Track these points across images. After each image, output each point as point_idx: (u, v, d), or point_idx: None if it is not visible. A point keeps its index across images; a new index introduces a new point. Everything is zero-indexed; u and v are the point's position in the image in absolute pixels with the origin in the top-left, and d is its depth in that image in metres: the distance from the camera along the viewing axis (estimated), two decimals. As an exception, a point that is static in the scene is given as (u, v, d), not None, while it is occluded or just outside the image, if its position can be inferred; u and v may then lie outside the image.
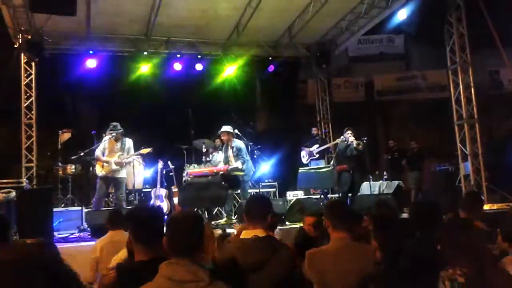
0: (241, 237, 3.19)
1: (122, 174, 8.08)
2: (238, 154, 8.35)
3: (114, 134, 8.00)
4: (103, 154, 7.99)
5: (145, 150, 8.37)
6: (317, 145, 11.12)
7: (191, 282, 2.04)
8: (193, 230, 2.22)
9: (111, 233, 4.79)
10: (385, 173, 11.61)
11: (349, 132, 9.18)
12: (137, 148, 8.41)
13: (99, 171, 7.97)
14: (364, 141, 8.99)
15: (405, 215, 7.05)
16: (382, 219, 2.88)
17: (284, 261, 3.00)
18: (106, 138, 8.10)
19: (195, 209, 7.57)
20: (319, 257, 3.09)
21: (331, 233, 3.18)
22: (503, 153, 12.55)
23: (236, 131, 8.91)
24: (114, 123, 8.09)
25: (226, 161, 8.57)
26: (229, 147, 8.55)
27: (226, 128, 8.52)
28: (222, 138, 8.70)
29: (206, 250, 2.82)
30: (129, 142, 8.19)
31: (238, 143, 8.51)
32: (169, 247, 2.20)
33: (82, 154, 8.24)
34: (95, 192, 8.27)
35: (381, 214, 3.23)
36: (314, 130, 11.81)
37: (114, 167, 7.90)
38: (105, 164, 7.90)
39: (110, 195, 9.34)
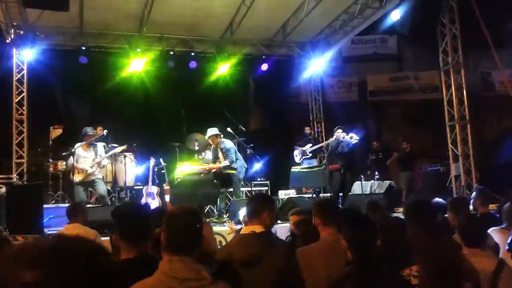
0: (240, 232, 3.23)
1: (98, 175, 8.08)
2: (226, 154, 8.35)
3: (89, 137, 7.97)
4: (77, 161, 7.95)
5: (120, 148, 8.45)
6: (310, 145, 11.14)
7: (193, 280, 2.03)
8: (193, 227, 2.20)
9: (66, 226, 4.83)
10: (376, 173, 11.64)
11: (340, 130, 9.21)
12: (122, 145, 8.48)
13: (76, 177, 7.93)
14: (357, 141, 9.02)
15: (395, 215, 7.09)
16: (348, 219, 2.93)
17: (281, 256, 3.02)
18: (78, 145, 8.04)
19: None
20: (308, 254, 3.13)
21: (321, 231, 3.23)
22: (494, 154, 12.64)
23: (228, 129, 8.91)
24: (89, 128, 8.10)
25: (215, 161, 8.57)
26: (218, 148, 8.54)
27: (212, 131, 8.48)
28: (210, 142, 8.69)
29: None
30: (100, 146, 8.19)
31: (227, 143, 8.50)
32: (168, 244, 2.16)
33: (73, 150, 8.19)
34: None
35: (347, 214, 3.27)
36: (307, 130, 11.83)
37: (90, 170, 7.90)
38: (80, 171, 7.89)
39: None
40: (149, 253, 2.49)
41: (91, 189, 8.37)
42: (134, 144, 8.95)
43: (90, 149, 8.04)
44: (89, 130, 8.04)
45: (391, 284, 2.49)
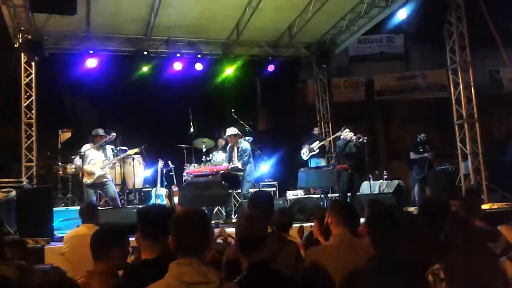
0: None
1: (108, 177, 8.08)
2: (241, 155, 8.39)
3: (100, 139, 7.97)
4: (83, 162, 7.92)
5: (132, 151, 8.43)
6: (318, 142, 11.15)
7: (201, 284, 2.01)
8: (200, 228, 2.19)
9: (81, 226, 4.87)
10: (385, 172, 11.58)
11: (347, 130, 9.20)
12: (131, 147, 8.49)
13: (86, 179, 7.90)
14: (364, 141, 9.00)
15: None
16: (373, 214, 2.92)
17: (293, 255, 3.02)
18: (87, 147, 8.03)
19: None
20: (319, 253, 3.12)
21: (333, 229, 3.23)
22: (503, 152, 12.55)
23: (236, 130, 8.93)
24: (100, 129, 8.08)
25: (230, 160, 8.60)
26: (235, 148, 8.58)
27: (231, 131, 8.54)
28: (229, 141, 8.75)
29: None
30: (108, 149, 8.19)
31: (244, 144, 8.55)
32: (176, 246, 2.16)
33: (82, 153, 8.23)
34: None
35: (373, 211, 3.26)
36: (316, 130, 11.82)
37: (100, 173, 7.89)
38: (89, 173, 7.87)
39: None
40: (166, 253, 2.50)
41: (100, 191, 8.38)
42: (142, 147, 8.98)
43: (99, 151, 8.05)
44: (100, 131, 8.02)
45: (410, 282, 2.48)
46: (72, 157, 8.76)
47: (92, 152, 8.00)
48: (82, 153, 7.95)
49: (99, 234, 2.90)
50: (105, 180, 7.98)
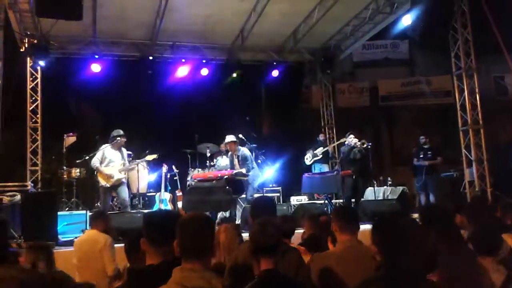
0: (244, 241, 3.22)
1: (124, 179, 8.06)
2: (243, 162, 8.38)
3: (122, 140, 7.94)
4: (101, 163, 7.87)
5: (150, 157, 8.37)
6: (321, 148, 11.17)
7: None
8: (204, 232, 2.21)
9: (88, 231, 5.12)
10: (389, 178, 11.54)
11: (352, 136, 9.19)
12: (136, 152, 8.48)
13: (104, 182, 7.86)
14: (369, 146, 8.98)
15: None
16: (378, 222, 2.90)
17: (293, 263, 3.02)
18: (105, 146, 8.00)
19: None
20: (324, 259, 3.11)
21: (338, 236, 3.22)
22: (508, 159, 12.49)
23: (240, 135, 8.93)
24: (119, 130, 8.03)
25: (232, 167, 8.60)
26: (235, 156, 8.57)
27: (230, 138, 8.53)
28: (227, 148, 8.74)
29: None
30: (125, 151, 8.16)
31: (244, 150, 8.53)
32: (181, 250, 2.18)
33: (87, 158, 8.24)
34: (99, 195, 8.26)
35: (377, 217, 3.25)
36: (322, 137, 11.83)
37: (119, 176, 7.86)
38: (107, 176, 7.81)
39: (114, 199, 9.38)
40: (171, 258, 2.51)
41: (114, 192, 8.33)
42: (147, 151, 8.98)
43: (118, 153, 7.99)
44: (121, 132, 7.92)
45: None
46: (89, 155, 8.64)
47: (110, 153, 7.94)
48: (99, 151, 7.87)
49: (134, 238, 2.93)
50: (122, 181, 7.95)
